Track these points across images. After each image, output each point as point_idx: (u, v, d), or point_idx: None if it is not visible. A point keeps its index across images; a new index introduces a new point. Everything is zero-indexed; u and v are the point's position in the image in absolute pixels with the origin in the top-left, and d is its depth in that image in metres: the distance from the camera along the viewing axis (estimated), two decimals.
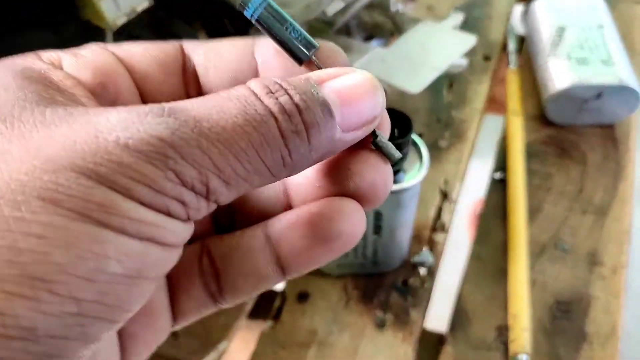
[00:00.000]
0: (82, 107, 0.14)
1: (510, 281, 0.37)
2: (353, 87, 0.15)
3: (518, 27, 0.55)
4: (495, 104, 0.56)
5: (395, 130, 0.31)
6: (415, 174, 0.33)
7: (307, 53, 0.15)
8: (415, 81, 0.31)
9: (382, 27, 0.40)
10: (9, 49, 0.19)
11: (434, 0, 0.60)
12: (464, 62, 0.37)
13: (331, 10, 0.34)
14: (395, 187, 0.32)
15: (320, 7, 0.35)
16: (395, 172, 0.32)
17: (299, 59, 0.16)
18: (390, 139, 0.28)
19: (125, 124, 0.13)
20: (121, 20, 0.30)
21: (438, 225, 0.42)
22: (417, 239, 0.41)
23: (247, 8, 0.15)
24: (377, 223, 0.34)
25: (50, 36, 0.36)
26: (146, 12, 0.31)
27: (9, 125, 0.13)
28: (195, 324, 0.24)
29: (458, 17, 0.37)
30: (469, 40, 0.35)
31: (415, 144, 0.34)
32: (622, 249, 0.39)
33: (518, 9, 0.58)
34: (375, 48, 0.35)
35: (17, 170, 0.12)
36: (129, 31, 0.33)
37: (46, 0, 0.35)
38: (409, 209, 0.35)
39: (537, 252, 0.40)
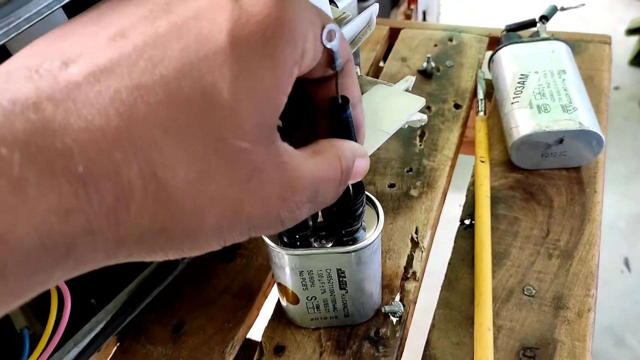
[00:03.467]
0: None
1: (476, 328, 0.38)
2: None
3: (488, 74, 0.57)
4: (470, 145, 0.58)
5: (350, 190, 0.33)
6: (372, 232, 0.34)
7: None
8: (366, 146, 0.33)
9: None
10: None
11: (408, 52, 0.62)
12: (424, 117, 0.39)
13: None
14: (354, 246, 0.34)
15: None
16: (355, 231, 0.34)
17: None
18: (345, 202, 0.30)
19: None
20: None
21: (409, 274, 0.43)
22: (389, 288, 0.42)
23: None
24: (341, 279, 0.36)
25: None
26: None
27: None
28: None
29: (410, 80, 0.39)
30: (419, 102, 0.37)
31: (371, 202, 0.36)
32: (587, 292, 0.40)
33: (489, 55, 0.60)
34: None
35: None
36: None
37: None
38: (373, 264, 0.36)
39: (504, 298, 0.41)
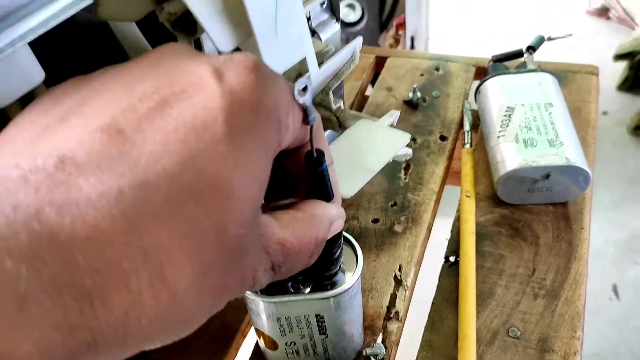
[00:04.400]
0: None
1: None
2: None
3: (475, 104, 0.57)
4: (457, 175, 0.57)
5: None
6: (352, 276, 0.33)
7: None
8: (350, 184, 0.32)
9: (330, 121, 0.42)
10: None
11: (393, 81, 0.62)
12: (409, 151, 0.38)
13: None
14: (333, 292, 0.32)
15: None
16: (334, 275, 0.33)
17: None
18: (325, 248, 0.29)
19: None
20: None
21: (392, 314, 0.42)
22: (371, 329, 0.41)
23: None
24: (320, 324, 0.35)
25: None
26: None
27: None
28: None
29: (395, 114, 0.38)
30: (404, 138, 0.36)
31: (350, 244, 0.35)
32: (574, 334, 0.39)
33: (476, 84, 0.60)
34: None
35: None
36: None
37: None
38: (353, 307, 0.35)
39: (489, 340, 0.39)
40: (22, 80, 0.28)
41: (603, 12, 1.87)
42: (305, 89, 0.22)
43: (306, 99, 0.22)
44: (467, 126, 0.54)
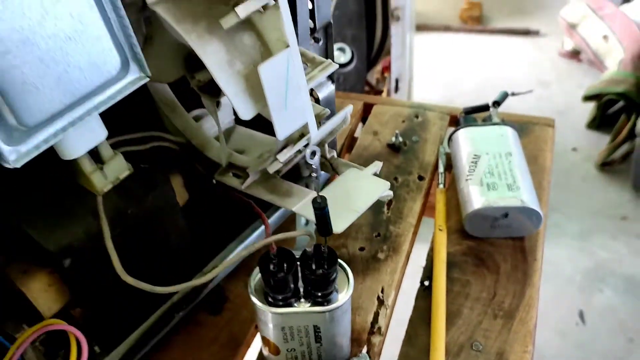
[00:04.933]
0: None
1: None
2: None
3: (448, 148, 0.65)
4: (432, 210, 0.66)
5: (325, 264, 0.39)
6: (344, 294, 0.41)
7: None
8: (340, 222, 0.40)
9: (325, 165, 0.50)
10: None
11: (379, 126, 0.71)
12: (390, 193, 0.46)
13: (271, 169, 0.43)
14: (328, 307, 0.40)
15: (269, 161, 0.45)
16: (329, 294, 0.41)
17: None
18: (319, 272, 0.37)
19: None
20: (107, 187, 0.39)
21: (375, 329, 0.49)
22: (357, 342, 0.49)
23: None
24: (317, 334, 0.42)
25: (56, 187, 0.45)
26: (127, 177, 0.40)
27: None
28: None
29: (377, 165, 0.47)
30: (383, 186, 0.44)
31: (343, 268, 0.42)
32: (525, 349, 0.47)
33: (449, 130, 0.69)
34: (311, 193, 0.44)
35: None
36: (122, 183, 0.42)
37: (47, 169, 0.44)
38: (343, 321, 0.43)
39: (456, 352, 0.47)
40: (92, 139, 0.36)
41: (574, 55, 2.00)
42: (314, 153, 0.30)
43: (315, 162, 0.30)
44: (441, 168, 0.63)
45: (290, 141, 0.42)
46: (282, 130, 0.38)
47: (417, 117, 0.71)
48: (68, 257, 0.40)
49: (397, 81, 1.09)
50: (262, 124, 0.40)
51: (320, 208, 0.33)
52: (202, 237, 0.50)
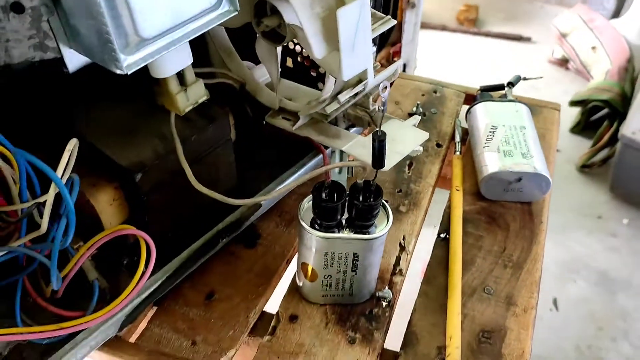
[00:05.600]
0: None
1: (449, 313, 0.50)
2: None
3: (464, 122, 0.71)
4: (445, 180, 0.71)
5: (371, 197, 0.44)
6: (383, 228, 0.46)
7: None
8: (387, 161, 0.45)
9: (362, 120, 0.54)
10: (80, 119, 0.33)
11: (400, 97, 0.76)
12: (420, 149, 0.51)
13: (329, 109, 0.48)
14: (369, 236, 0.45)
15: (319, 105, 0.49)
16: (370, 225, 0.46)
17: None
18: (367, 203, 0.42)
19: None
20: (188, 108, 0.43)
21: (397, 270, 0.54)
22: (381, 280, 0.54)
23: None
24: (355, 262, 0.47)
25: (123, 110, 0.48)
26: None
27: None
28: (210, 335, 0.38)
29: (417, 118, 0.51)
30: (424, 136, 0.49)
31: (384, 207, 0.47)
32: (531, 295, 0.53)
33: (465, 108, 0.74)
34: (357, 136, 0.49)
35: None
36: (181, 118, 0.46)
37: (126, 82, 0.49)
38: (378, 253, 0.48)
39: (469, 294, 0.53)
40: (182, 61, 0.40)
41: (563, 63, 2.09)
42: (385, 88, 0.35)
43: (385, 95, 0.35)
44: (457, 138, 0.68)
45: (347, 86, 0.46)
46: (348, 71, 0.43)
47: (435, 92, 0.77)
48: (139, 172, 0.44)
49: (404, 65, 1.14)
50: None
51: (380, 140, 0.38)
52: (246, 174, 0.55)
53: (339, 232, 0.46)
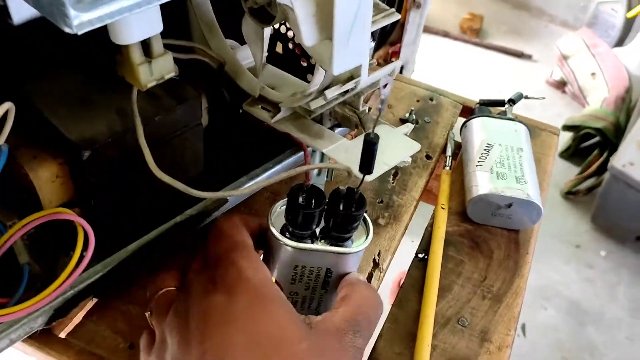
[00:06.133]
0: None
1: (417, 343, 0.46)
2: None
3: (457, 136, 0.66)
4: (430, 194, 0.67)
5: (354, 206, 0.39)
6: (361, 243, 0.41)
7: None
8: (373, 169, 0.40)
9: (350, 120, 0.49)
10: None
11: (394, 101, 0.71)
12: (409, 160, 0.47)
13: (314, 104, 0.43)
14: (349, 249, 0.40)
15: (304, 99, 0.44)
16: (347, 238, 0.41)
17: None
18: (348, 212, 0.37)
19: None
20: (151, 84, 0.38)
21: None
22: None
23: None
24: (327, 279, 0.42)
25: (80, 79, 0.43)
26: (158, 85, 0.39)
27: None
28: None
29: (409, 127, 0.47)
30: (415, 147, 0.44)
31: (364, 219, 0.42)
32: (508, 332, 0.49)
33: (461, 120, 0.70)
34: (342, 138, 0.44)
35: None
36: (150, 89, 0.40)
37: (86, 48, 0.43)
38: (353, 270, 0.43)
39: (442, 324, 0.48)
40: (149, 29, 0.35)
41: (561, 85, 2.07)
42: (386, 85, 0.30)
43: (385, 92, 0.30)
44: (449, 152, 0.64)
45: (337, 81, 0.41)
46: (339, 65, 0.37)
47: (431, 99, 0.72)
48: (88, 149, 0.38)
49: (402, 67, 1.09)
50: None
51: (372, 144, 0.33)
52: (215, 164, 0.49)
53: (312, 243, 0.41)
